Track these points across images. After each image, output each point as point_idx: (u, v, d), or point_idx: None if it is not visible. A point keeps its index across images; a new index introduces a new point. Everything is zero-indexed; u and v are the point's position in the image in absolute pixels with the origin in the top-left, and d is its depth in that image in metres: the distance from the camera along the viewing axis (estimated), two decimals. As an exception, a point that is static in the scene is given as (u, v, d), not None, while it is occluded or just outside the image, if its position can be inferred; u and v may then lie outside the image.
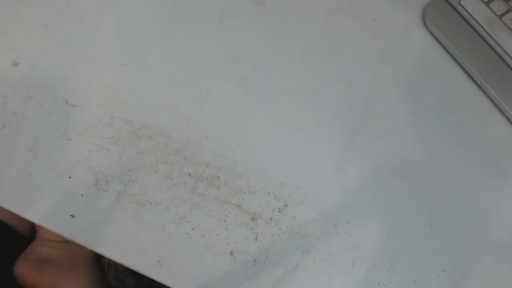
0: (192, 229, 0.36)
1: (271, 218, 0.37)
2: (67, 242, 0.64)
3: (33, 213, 0.36)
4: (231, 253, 0.36)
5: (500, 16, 0.42)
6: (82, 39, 0.41)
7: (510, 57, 0.41)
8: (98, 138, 0.38)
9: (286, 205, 0.37)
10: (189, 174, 0.38)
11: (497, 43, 0.41)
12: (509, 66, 0.41)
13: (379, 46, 0.44)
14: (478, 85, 0.42)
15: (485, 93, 0.42)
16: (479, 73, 0.42)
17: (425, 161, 0.40)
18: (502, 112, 0.42)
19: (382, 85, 0.42)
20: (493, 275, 0.37)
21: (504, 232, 0.38)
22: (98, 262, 0.72)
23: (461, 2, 0.43)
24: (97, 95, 0.40)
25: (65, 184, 0.37)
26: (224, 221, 0.37)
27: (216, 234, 0.36)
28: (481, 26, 0.42)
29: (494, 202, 0.39)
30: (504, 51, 0.41)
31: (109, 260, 0.73)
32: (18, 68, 0.41)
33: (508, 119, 0.41)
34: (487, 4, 0.42)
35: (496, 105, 0.42)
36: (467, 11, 0.42)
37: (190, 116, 0.39)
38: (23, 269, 0.58)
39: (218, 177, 0.38)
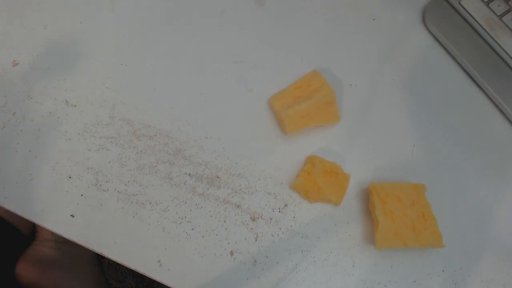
0: (192, 229, 0.36)
1: (271, 218, 0.37)
2: (67, 242, 0.64)
3: (33, 213, 0.36)
4: (231, 253, 0.36)
5: (500, 16, 0.42)
6: (82, 39, 0.41)
7: (510, 57, 0.41)
8: (98, 138, 0.38)
9: (286, 205, 0.37)
10: (189, 174, 0.38)
11: (497, 43, 0.41)
12: (509, 66, 0.41)
13: (379, 46, 0.44)
14: (478, 85, 0.42)
15: (485, 93, 0.42)
16: (479, 73, 0.42)
17: (425, 161, 0.40)
18: (502, 112, 0.42)
19: (382, 85, 0.42)
20: (493, 275, 0.37)
21: (504, 232, 0.38)
22: (98, 262, 0.72)
23: (461, 2, 0.43)
24: (97, 95, 0.40)
25: (65, 184, 0.37)
26: (224, 221, 0.37)
27: (216, 234, 0.36)
28: (481, 26, 0.42)
29: (494, 202, 0.39)
30: (504, 51, 0.41)
31: (109, 260, 0.73)
32: (18, 68, 0.41)
33: (508, 119, 0.41)
34: (487, 4, 0.42)
35: (496, 105, 0.42)
36: (467, 11, 0.42)
37: (190, 116, 0.40)
38: (24, 269, 0.58)
39: (218, 177, 0.38)
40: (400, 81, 0.42)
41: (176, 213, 0.36)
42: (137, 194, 0.37)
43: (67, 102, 0.39)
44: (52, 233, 0.63)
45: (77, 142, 0.38)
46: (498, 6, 0.42)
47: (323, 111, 0.38)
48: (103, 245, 0.35)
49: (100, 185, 0.37)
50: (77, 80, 0.40)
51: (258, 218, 0.37)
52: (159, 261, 0.35)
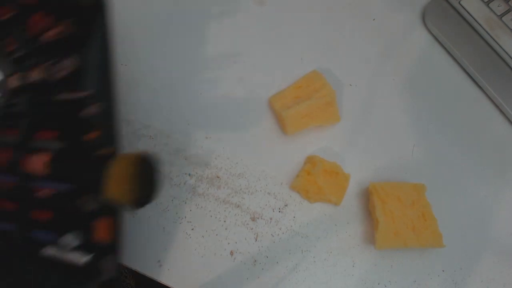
0: (192, 229, 0.36)
1: (271, 218, 0.37)
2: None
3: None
4: (231, 253, 0.36)
5: (500, 16, 0.42)
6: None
7: (510, 57, 0.41)
8: (98, 138, 0.38)
9: (286, 205, 0.37)
10: (189, 174, 0.38)
11: (497, 43, 0.41)
12: (509, 66, 0.41)
13: (379, 46, 0.44)
14: (478, 85, 0.42)
15: (485, 93, 0.42)
16: (479, 73, 0.42)
17: (425, 161, 0.40)
18: (502, 112, 0.42)
19: (382, 85, 0.42)
20: (493, 275, 0.37)
21: (504, 232, 0.38)
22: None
23: (461, 2, 0.43)
24: (97, 95, 0.40)
25: (65, 184, 0.37)
26: (224, 221, 0.37)
27: (216, 234, 0.36)
28: (481, 26, 0.42)
29: (494, 202, 0.39)
30: (504, 51, 0.41)
31: (109, 260, 0.73)
32: (18, 68, 0.41)
33: (508, 119, 0.41)
34: (487, 4, 0.42)
35: (496, 105, 0.42)
36: (467, 11, 0.42)
37: (190, 116, 0.39)
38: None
39: (218, 177, 0.38)
40: (400, 81, 0.42)
41: (176, 213, 0.36)
42: (137, 194, 0.37)
43: (67, 102, 0.39)
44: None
45: (77, 142, 0.38)
46: (498, 6, 0.42)
47: (323, 111, 0.38)
48: (103, 245, 0.35)
49: (100, 185, 0.37)
50: (77, 80, 0.40)
51: (258, 218, 0.37)
52: (159, 261, 0.35)
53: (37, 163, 0.27)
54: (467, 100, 0.42)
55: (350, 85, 0.42)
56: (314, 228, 0.37)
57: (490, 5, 0.42)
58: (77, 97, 0.28)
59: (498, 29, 0.41)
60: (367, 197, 0.38)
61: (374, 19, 0.45)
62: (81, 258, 0.26)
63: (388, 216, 0.35)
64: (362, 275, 0.36)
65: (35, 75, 0.29)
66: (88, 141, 0.28)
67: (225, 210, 0.37)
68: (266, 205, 0.37)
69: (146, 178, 0.26)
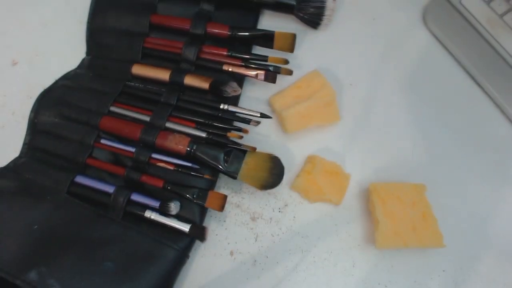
0: (192, 229, 0.36)
1: (271, 218, 0.37)
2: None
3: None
4: (231, 253, 0.36)
5: (501, 16, 0.41)
6: (82, 38, 0.41)
7: (510, 56, 0.41)
8: (98, 138, 0.38)
9: (286, 205, 0.37)
10: (189, 174, 0.38)
11: (498, 42, 0.41)
12: (509, 65, 0.41)
13: (379, 45, 0.44)
14: (478, 85, 0.42)
15: (485, 92, 0.42)
16: (479, 73, 0.42)
17: (425, 161, 0.40)
18: (502, 111, 0.41)
19: (382, 85, 0.42)
20: (493, 275, 0.37)
21: (504, 232, 0.38)
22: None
23: (462, 1, 0.42)
24: (97, 95, 0.40)
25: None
26: (224, 221, 0.37)
27: (216, 234, 0.36)
28: (482, 26, 0.42)
29: (494, 202, 0.39)
30: (505, 50, 0.41)
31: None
32: (17, 67, 0.41)
33: (508, 118, 0.41)
34: (488, 3, 0.42)
35: (497, 105, 0.42)
36: (467, 10, 0.42)
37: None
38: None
39: (218, 177, 0.38)
40: (400, 81, 0.42)
41: (176, 213, 0.36)
42: (137, 194, 0.37)
43: (67, 102, 0.39)
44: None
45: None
46: (499, 5, 0.42)
47: (323, 111, 0.38)
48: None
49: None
50: (77, 80, 0.40)
51: (258, 218, 0.37)
52: (159, 261, 0.35)
53: (181, 142, 0.34)
54: (467, 100, 0.42)
55: (350, 85, 0.42)
56: (314, 228, 0.37)
57: (491, 4, 0.42)
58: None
59: (499, 28, 0.41)
60: (367, 197, 0.38)
61: (374, 19, 0.45)
62: (185, 226, 0.32)
63: (388, 216, 0.35)
64: (362, 275, 0.36)
65: (189, 81, 0.37)
66: (230, 137, 0.35)
67: (225, 210, 0.37)
68: (266, 205, 0.37)
69: (274, 172, 0.34)
